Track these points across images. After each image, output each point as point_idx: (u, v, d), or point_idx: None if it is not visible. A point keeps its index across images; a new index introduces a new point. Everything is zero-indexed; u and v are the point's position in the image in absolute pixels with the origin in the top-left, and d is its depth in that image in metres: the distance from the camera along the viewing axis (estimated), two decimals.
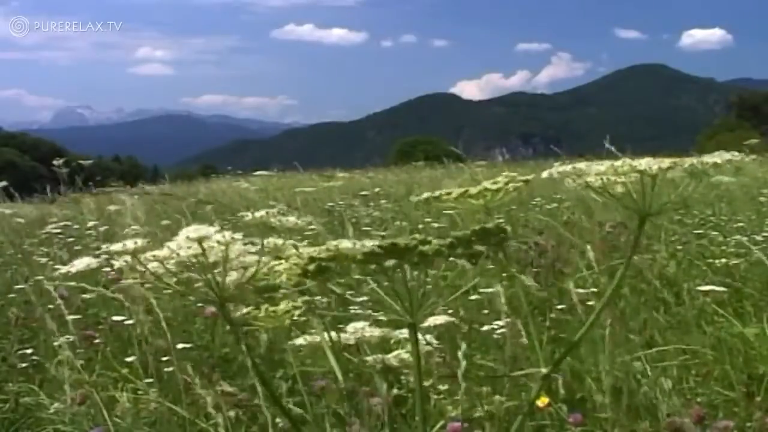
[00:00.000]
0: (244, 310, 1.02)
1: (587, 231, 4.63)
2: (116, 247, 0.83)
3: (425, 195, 0.95)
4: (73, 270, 0.88)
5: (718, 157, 0.85)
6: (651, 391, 2.47)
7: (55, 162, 5.67)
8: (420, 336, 1.13)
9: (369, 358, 1.17)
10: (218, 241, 0.82)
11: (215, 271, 0.83)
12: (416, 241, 0.80)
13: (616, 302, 3.05)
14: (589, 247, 3.39)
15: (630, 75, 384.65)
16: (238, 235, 0.83)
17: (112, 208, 6.08)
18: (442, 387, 0.97)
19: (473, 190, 0.92)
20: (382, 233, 4.94)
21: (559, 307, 3.13)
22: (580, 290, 3.01)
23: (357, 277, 0.82)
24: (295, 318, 1.06)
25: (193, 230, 0.82)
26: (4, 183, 5.84)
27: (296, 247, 0.88)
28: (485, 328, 2.84)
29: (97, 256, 0.88)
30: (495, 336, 2.78)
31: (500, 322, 2.78)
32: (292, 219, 0.91)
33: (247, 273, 0.86)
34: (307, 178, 10.61)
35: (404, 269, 0.82)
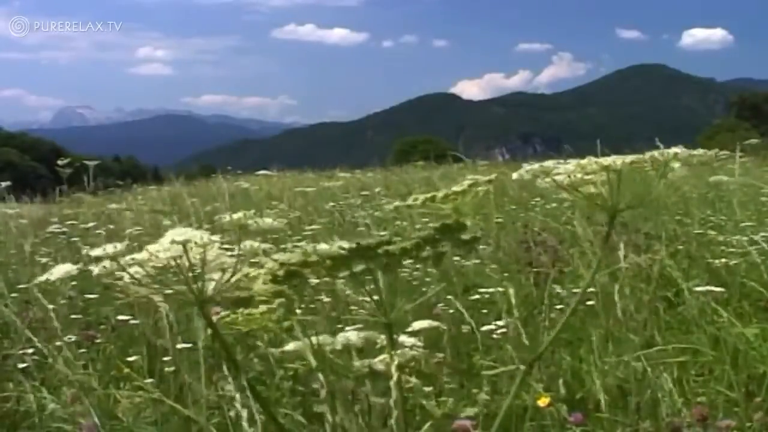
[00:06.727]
0: (222, 314, 1.02)
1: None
2: (96, 251, 0.83)
3: (396, 203, 0.95)
4: (52, 278, 0.87)
5: (677, 148, 0.85)
6: (651, 391, 2.47)
7: (59, 162, 5.68)
8: (409, 339, 1.14)
9: (357, 363, 1.17)
10: (197, 243, 0.82)
11: (194, 273, 0.83)
12: (380, 241, 0.80)
13: (616, 302, 3.05)
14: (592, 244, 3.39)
15: (630, 75, 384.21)
16: (216, 237, 0.83)
17: (113, 206, 6.09)
18: (427, 389, 0.97)
19: (440, 195, 0.91)
20: (382, 233, 4.94)
21: (558, 306, 3.13)
22: (579, 290, 3.00)
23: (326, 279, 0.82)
24: (274, 321, 1.05)
25: (178, 233, 0.82)
26: (8, 183, 5.85)
27: (267, 253, 0.88)
28: (484, 328, 2.85)
29: (77, 263, 0.88)
30: (495, 336, 2.78)
31: (500, 322, 2.79)
32: (268, 221, 0.91)
33: (225, 276, 0.86)
34: (307, 178, 10.62)
35: (374, 271, 0.82)
